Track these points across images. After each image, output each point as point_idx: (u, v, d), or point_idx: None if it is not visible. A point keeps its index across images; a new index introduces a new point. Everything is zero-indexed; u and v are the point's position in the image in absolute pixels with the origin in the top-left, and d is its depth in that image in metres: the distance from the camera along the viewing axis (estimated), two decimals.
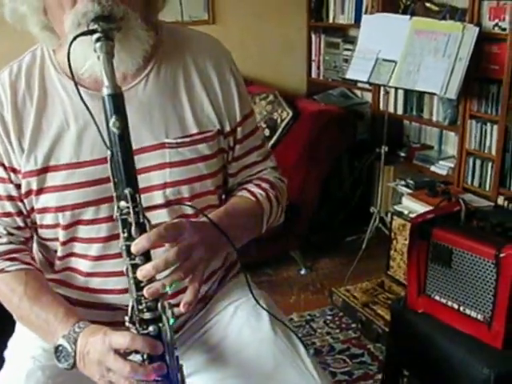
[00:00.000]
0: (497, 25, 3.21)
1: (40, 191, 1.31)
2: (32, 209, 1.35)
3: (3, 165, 1.32)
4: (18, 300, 1.31)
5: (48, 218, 1.34)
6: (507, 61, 3.13)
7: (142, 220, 1.14)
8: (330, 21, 4.41)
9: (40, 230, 1.39)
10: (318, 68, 4.57)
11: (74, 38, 1.16)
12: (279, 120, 3.59)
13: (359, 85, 4.19)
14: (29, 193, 1.33)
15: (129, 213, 1.13)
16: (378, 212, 3.59)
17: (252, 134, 1.49)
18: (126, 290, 1.33)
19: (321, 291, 3.44)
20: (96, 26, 1.15)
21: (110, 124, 1.11)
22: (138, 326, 1.15)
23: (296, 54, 4.59)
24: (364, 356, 2.81)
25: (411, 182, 3.65)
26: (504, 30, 3.16)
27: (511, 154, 3.23)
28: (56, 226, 1.34)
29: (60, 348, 1.21)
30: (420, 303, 2.02)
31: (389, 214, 3.70)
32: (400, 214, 3.28)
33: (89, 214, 1.32)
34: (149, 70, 1.35)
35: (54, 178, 1.30)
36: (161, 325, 1.15)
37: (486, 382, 1.77)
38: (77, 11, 1.17)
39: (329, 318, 3.14)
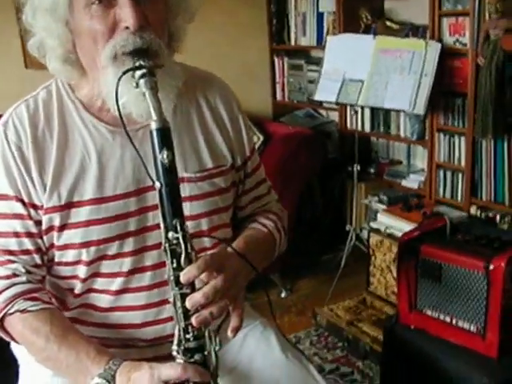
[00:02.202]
0: (457, 40, 3.29)
1: (63, 227, 1.31)
2: (51, 245, 1.34)
3: (22, 200, 1.31)
4: (45, 341, 1.27)
5: (70, 255, 1.33)
6: (470, 74, 3.21)
7: (189, 250, 1.16)
8: (292, 43, 4.45)
9: (57, 268, 1.37)
10: (283, 90, 4.60)
11: (124, 73, 1.19)
12: None
13: (324, 104, 4.24)
14: (50, 229, 1.31)
15: (178, 243, 1.15)
16: (354, 230, 3.62)
17: (258, 167, 1.57)
18: (141, 325, 1.38)
19: (303, 312, 3.44)
20: (141, 62, 1.18)
21: (161, 157, 1.14)
22: (182, 355, 1.16)
23: (260, 77, 4.62)
24: (354, 374, 2.82)
25: (384, 197, 3.70)
26: (465, 45, 3.24)
27: (480, 165, 3.30)
28: (77, 262, 1.34)
29: None
30: (412, 319, 2.05)
31: (363, 231, 3.75)
32: (377, 231, 3.32)
33: (113, 248, 1.33)
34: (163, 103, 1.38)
35: (77, 214, 1.30)
36: (205, 352, 1.17)
37: None
38: (116, 42, 1.20)
39: (314, 338, 3.15)
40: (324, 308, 3.29)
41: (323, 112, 4.48)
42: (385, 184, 3.96)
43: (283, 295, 3.66)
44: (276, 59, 4.61)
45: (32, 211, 1.31)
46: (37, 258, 1.34)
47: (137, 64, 1.19)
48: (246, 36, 4.49)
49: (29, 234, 1.32)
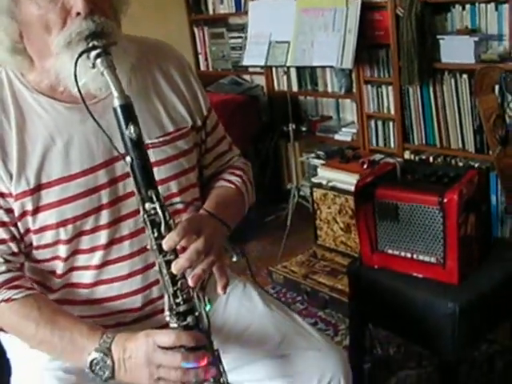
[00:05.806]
0: None
1: (36, 210, 1.31)
2: (27, 231, 1.33)
3: None
4: (35, 326, 1.28)
5: (48, 237, 1.34)
6: (391, 25, 3.34)
7: (168, 218, 1.21)
8: (211, 12, 4.49)
9: (36, 252, 1.37)
10: (206, 60, 4.64)
11: (80, 56, 1.20)
12: None
13: (249, 69, 4.29)
14: (24, 214, 1.31)
15: (156, 213, 1.20)
16: (295, 187, 3.72)
17: (217, 125, 1.61)
18: (131, 294, 1.41)
19: (258, 273, 3.51)
20: (95, 43, 1.20)
21: (128, 132, 1.17)
22: (175, 320, 1.22)
23: (181, 49, 4.56)
24: (318, 324, 2.95)
25: (321, 153, 3.81)
26: None
27: (409, 111, 3.45)
28: (57, 242, 1.34)
29: (95, 361, 1.23)
30: (375, 260, 2.16)
31: (303, 188, 3.86)
32: (319, 185, 3.44)
33: (90, 223, 1.34)
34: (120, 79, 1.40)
35: (48, 195, 1.31)
36: (196, 314, 1.23)
37: (452, 315, 1.93)
38: (71, 30, 1.21)
39: (273, 296, 3.25)
40: (278, 266, 3.39)
41: (247, 77, 4.54)
42: (318, 140, 4.06)
43: (235, 259, 3.71)
44: (196, 29, 4.63)
45: (1, 200, 1.31)
46: (13, 247, 1.34)
47: (91, 45, 1.21)
48: (163, 10, 4.46)
49: (2, 224, 1.32)
